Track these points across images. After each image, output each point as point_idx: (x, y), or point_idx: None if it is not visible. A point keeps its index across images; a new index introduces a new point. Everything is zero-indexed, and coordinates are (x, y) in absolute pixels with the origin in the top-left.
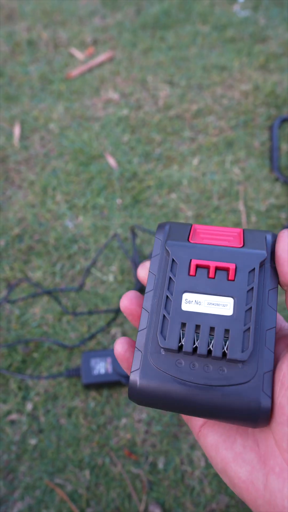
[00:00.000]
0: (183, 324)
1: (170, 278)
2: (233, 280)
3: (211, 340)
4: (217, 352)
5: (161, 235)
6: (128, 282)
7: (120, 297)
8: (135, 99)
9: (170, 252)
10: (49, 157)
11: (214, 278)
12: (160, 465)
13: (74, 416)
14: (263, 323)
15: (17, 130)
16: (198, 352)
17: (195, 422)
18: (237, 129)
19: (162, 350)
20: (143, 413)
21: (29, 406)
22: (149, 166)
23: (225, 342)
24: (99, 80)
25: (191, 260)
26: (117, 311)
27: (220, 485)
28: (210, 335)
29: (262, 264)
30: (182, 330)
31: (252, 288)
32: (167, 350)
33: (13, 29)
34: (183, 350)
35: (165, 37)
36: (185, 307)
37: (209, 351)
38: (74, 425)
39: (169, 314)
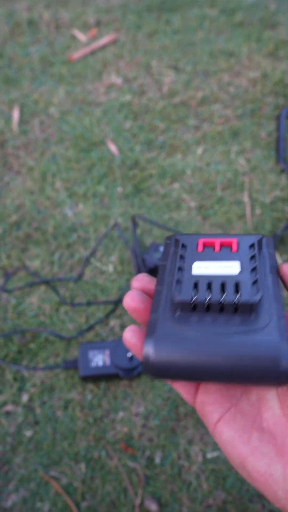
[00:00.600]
0: (196, 284)
1: (181, 256)
2: (237, 251)
3: (222, 295)
4: (229, 297)
5: (170, 246)
6: (128, 273)
7: (120, 288)
8: (139, 84)
9: (179, 240)
10: (49, 143)
11: (219, 251)
12: (157, 460)
13: (71, 409)
14: (267, 282)
15: (16, 114)
16: (211, 301)
17: (211, 418)
18: (244, 118)
19: (176, 312)
20: (141, 406)
21: (25, 398)
22: (151, 154)
23: (236, 296)
24: (102, 64)
25: (198, 240)
26: (117, 302)
27: (217, 481)
28: (221, 291)
29: (259, 243)
30: (195, 289)
31: (254, 255)
32: (181, 306)
33: (13, 8)
34: (197, 301)
35: (171, 20)
36: (196, 271)
37: (222, 308)
38: (71, 417)
39: (182, 277)
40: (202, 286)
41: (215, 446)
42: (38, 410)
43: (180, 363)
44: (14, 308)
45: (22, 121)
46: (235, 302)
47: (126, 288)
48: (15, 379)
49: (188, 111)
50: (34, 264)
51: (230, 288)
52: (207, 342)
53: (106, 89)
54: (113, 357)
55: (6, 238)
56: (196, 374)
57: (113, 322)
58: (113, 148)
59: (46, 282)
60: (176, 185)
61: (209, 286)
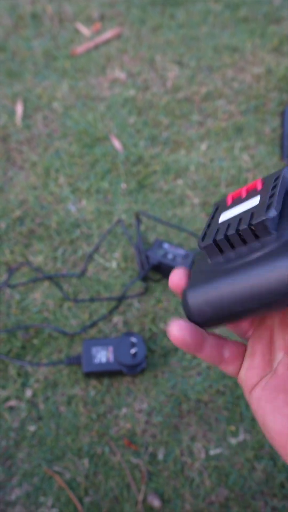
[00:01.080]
0: (218, 229)
1: (212, 216)
2: (261, 189)
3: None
4: (243, 224)
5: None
6: (131, 269)
7: (123, 284)
8: (143, 79)
9: (215, 204)
10: (52, 138)
11: (245, 197)
12: (160, 456)
13: (74, 404)
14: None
15: (19, 108)
16: (229, 234)
17: (250, 382)
18: (248, 114)
19: (207, 260)
20: (144, 403)
21: (28, 393)
22: (155, 150)
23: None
24: (106, 58)
25: (227, 196)
26: (119, 299)
27: (220, 478)
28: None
29: (283, 174)
30: (217, 232)
31: (276, 185)
32: (208, 252)
33: (16, 1)
34: (218, 240)
35: (175, 14)
36: (221, 220)
37: (243, 240)
38: (74, 413)
39: (207, 229)
40: (223, 227)
41: (218, 443)
42: (41, 406)
43: (213, 304)
44: (18, 304)
45: (25, 116)
46: (250, 227)
47: (130, 284)
48: (18, 374)
49: (192, 106)
50: (38, 260)
51: (245, 217)
52: (231, 276)
53: (110, 84)
54: (116, 353)
55: (9, 234)
56: (230, 310)
57: (116, 319)
58: (117, 143)
59: (50, 278)
60: (180, 182)
61: (228, 225)
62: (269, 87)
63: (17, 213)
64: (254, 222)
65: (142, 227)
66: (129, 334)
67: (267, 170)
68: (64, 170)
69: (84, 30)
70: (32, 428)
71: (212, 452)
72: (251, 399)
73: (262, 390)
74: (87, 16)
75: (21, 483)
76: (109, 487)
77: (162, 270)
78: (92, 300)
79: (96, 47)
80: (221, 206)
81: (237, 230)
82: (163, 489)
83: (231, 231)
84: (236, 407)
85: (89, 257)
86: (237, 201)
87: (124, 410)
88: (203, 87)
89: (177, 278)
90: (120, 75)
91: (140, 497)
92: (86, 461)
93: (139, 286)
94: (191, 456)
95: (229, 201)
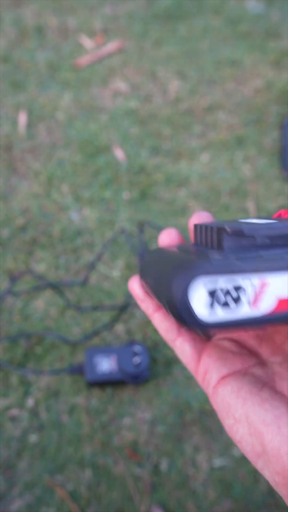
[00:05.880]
0: None
1: None
2: None
3: None
4: None
5: None
6: None
7: (125, 293)
8: (145, 91)
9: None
10: (55, 147)
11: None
12: (163, 467)
13: (76, 414)
14: None
15: (23, 118)
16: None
17: (211, 377)
18: (248, 126)
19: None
20: (147, 413)
21: (30, 402)
22: (157, 160)
23: None
24: (108, 70)
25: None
26: (122, 307)
27: (224, 489)
28: None
29: None
30: None
31: None
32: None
33: (20, 14)
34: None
35: (177, 28)
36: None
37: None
38: (76, 422)
39: None
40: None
41: (222, 454)
42: (43, 415)
43: None
44: (20, 312)
45: (29, 125)
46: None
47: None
48: (20, 383)
49: (193, 118)
50: (40, 268)
51: None
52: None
53: (112, 95)
54: (119, 362)
55: (12, 242)
56: None
57: (119, 327)
58: (119, 153)
59: (52, 286)
60: (182, 191)
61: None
62: (269, 100)
63: (20, 221)
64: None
65: (145, 236)
66: (132, 343)
67: (268, 181)
68: (67, 179)
69: (87, 43)
70: (33, 437)
71: (216, 463)
72: (219, 391)
73: (235, 382)
74: (90, 29)
75: (22, 494)
76: (112, 498)
77: None
78: (94, 308)
79: (99, 59)
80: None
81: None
82: (166, 501)
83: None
84: None
85: (92, 266)
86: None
87: (127, 420)
88: (204, 99)
89: (166, 238)
90: (123, 86)
91: (143, 509)
92: (88, 472)
93: None
94: (195, 467)
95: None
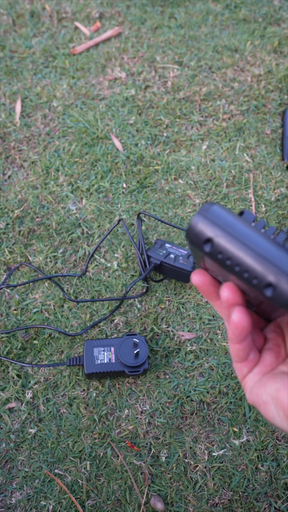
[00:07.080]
0: None
1: None
2: None
3: None
4: None
5: None
6: (132, 269)
7: (124, 284)
8: (143, 79)
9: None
10: (52, 136)
11: None
12: (163, 458)
13: (75, 406)
14: None
15: (18, 107)
16: None
17: (241, 370)
18: (248, 114)
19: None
20: (146, 404)
21: (28, 394)
22: (156, 149)
23: None
24: (105, 57)
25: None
26: (121, 299)
27: (223, 480)
28: None
29: None
30: None
31: None
32: None
33: None
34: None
35: (175, 14)
36: None
37: None
38: (75, 415)
39: None
40: None
41: (221, 444)
42: (42, 407)
43: None
44: (18, 304)
45: (24, 114)
46: None
47: (132, 284)
48: (18, 375)
49: (193, 106)
50: (37, 260)
51: None
52: None
53: (109, 83)
54: (118, 354)
55: (9, 233)
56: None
57: (118, 319)
58: (117, 143)
59: (50, 278)
60: (181, 181)
61: None
62: (269, 87)
63: (17, 212)
64: None
65: (143, 227)
66: (131, 334)
67: (268, 170)
68: (64, 169)
69: (84, 29)
70: (32, 430)
71: (215, 453)
72: (250, 381)
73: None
74: (86, 15)
75: (22, 486)
76: (112, 490)
77: (164, 270)
78: (93, 300)
79: (96, 46)
80: None
81: None
82: (166, 492)
83: None
84: (239, 408)
85: (90, 257)
86: None
87: (126, 412)
88: (204, 87)
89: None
90: (120, 74)
91: (143, 500)
92: (87, 464)
93: (140, 286)
94: (194, 457)
95: None
